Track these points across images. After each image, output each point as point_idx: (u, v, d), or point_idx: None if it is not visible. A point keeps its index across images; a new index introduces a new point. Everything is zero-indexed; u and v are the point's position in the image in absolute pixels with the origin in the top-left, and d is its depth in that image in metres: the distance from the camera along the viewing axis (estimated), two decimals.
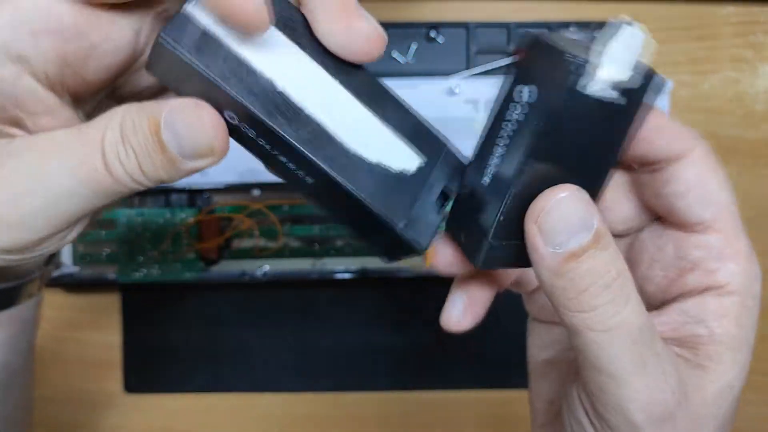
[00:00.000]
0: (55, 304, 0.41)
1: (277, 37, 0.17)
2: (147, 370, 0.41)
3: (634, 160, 0.18)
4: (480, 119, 0.39)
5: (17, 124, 0.17)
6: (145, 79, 0.19)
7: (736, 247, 0.18)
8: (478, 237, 0.17)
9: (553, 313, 0.20)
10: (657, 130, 0.17)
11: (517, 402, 0.41)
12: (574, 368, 0.18)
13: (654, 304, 0.19)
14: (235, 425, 0.42)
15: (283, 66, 0.17)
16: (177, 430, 0.42)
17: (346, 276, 0.39)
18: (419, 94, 0.39)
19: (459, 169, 0.19)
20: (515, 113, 0.17)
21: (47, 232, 0.16)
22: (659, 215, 0.19)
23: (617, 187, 0.19)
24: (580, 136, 0.16)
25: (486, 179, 0.17)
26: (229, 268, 0.39)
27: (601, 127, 0.16)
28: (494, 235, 0.17)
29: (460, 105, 0.39)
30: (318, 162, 0.16)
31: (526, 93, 0.16)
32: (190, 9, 0.15)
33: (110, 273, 0.39)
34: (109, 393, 0.41)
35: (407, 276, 0.39)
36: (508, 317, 0.41)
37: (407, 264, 0.39)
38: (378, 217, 0.17)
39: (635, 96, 0.16)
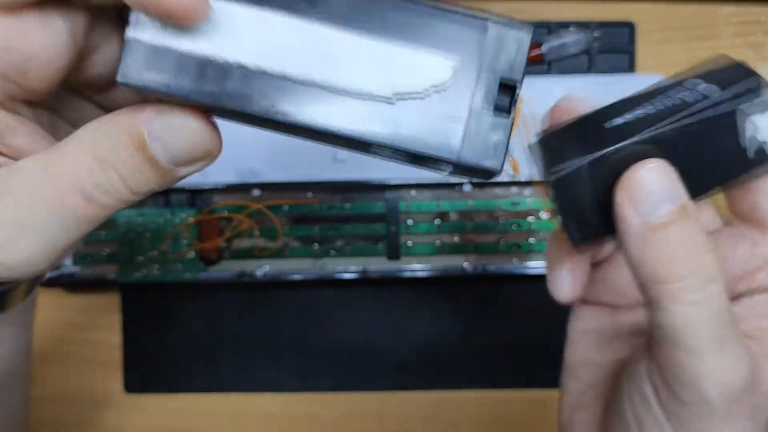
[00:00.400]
0: (55, 304, 0.41)
1: (223, 8, 0.14)
2: (147, 370, 0.41)
3: None
4: None
5: None
6: (101, 65, 0.17)
7: None
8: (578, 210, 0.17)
9: (610, 293, 0.21)
10: None
11: (520, 402, 0.41)
12: (635, 346, 0.19)
13: None
14: (235, 425, 0.42)
15: (246, 38, 0.14)
16: (177, 429, 0.42)
17: (346, 276, 0.39)
18: None
19: (517, 46, 0.15)
20: (682, 93, 0.16)
21: (44, 264, 0.16)
22: (739, 213, 0.19)
23: None
24: (718, 148, 0.16)
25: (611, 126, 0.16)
26: (229, 268, 0.39)
27: (736, 153, 0.16)
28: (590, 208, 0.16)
29: None
30: (331, 129, 0.14)
31: (702, 86, 0.16)
32: (132, 33, 0.14)
33: (110, 273, 0.39)
34: (109, 393, 0.41)
35: (407, 276, 0.39)
36: (508, 318, 0.41)
37: (407, 264, 0.39)
38: (429, 157, 0.15)
39: None
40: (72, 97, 0.17)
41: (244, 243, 0.39)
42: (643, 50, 0.41)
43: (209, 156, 0.16)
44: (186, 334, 0.41)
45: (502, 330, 0.41)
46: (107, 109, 0.18)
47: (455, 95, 0.14)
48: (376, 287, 0.41)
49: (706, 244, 0.16)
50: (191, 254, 0.39)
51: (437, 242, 0.39)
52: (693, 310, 0.15)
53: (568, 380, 0.22)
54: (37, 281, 0.22)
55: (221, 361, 0.41)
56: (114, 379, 0.41)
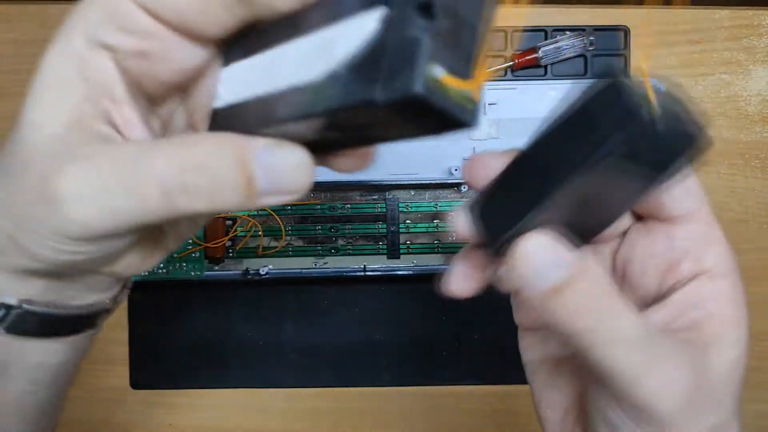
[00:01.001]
0: None
1: (237, 66, 0.17)
2: (153, 366, 0.42)
3: None
4: (480, 123, 0.40)
5: (109, 121, 0.17)
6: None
7: (716, 234, 0.19)
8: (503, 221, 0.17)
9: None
10: None
11: (516, 397, 0.42)
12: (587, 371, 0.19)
13: (654, 296, 0.20)
14: (240, 421, 0.42)
15: (253, 79, 0.16)
16: (183, 425, 0.43)
17: (348, 275, 0.39)
18: None
19: None
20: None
21: (98, 233, 0.17)
22: (646, 212, 0.20)
23: None
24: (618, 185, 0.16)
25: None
26: (233, 267, 0.40)
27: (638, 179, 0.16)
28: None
29: None
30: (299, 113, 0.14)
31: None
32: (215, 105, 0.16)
33: None
34: (116, 389, 0.42)
35: (407, 275, 0.40)
36: (506, 313, 0.42)
37: (407, 263, 0.40)
38: (357, 104, 0.13)
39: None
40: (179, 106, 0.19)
41: (248, 242, 0.40)
42: (637, 54, 0.42)
43: (299, 192, 0.16)
44: (191, 332, 0.42)
45: (500, 327, 0.42)
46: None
47: (387, 38, 0.12)
48: (376, 285, 0.42)
49: (603, 287, 0.16)
50: (196, 253, 0.39)
51: (436, 242, 0.40)
52: (615, 348, 0.16)
53: (545, 412, 0.23)
54: (116, 303, 0.23)
55: (226, 357, 0.42)
56: (120, 375, 0.42)
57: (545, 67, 0.41)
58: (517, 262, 0.16)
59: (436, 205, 0.40)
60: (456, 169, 0.39)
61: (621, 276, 0.21)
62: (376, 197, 0.40)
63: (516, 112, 0.40)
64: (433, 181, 0.39)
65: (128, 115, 0.17)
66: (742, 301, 0.19)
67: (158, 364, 0.42)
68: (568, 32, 0.41)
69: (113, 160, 0.16)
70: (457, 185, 0.39)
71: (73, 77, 0.17)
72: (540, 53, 0.40)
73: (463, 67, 0.13)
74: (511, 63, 0.40)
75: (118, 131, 0.17)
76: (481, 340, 0.42)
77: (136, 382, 0.42)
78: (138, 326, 0.42)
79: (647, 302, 0.19)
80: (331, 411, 0.43)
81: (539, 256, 0.16)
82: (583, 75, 0.41)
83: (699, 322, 0.18)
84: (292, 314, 0.42)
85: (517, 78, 0.41)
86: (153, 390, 0.42)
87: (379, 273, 0.40)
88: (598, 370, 0.17)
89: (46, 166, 0.16)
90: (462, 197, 0.40)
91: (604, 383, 0.17)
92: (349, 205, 0.40)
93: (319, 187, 0.40)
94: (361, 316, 0.42)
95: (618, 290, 0.17)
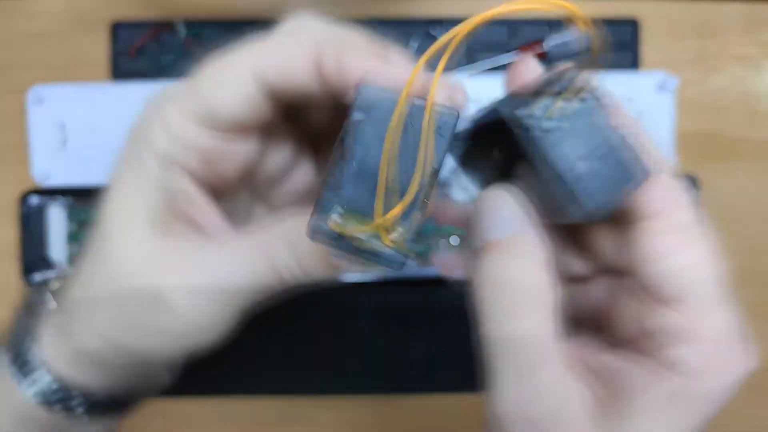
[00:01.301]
0: None
1: None
2: None
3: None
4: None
5: (193, 223, 0.20)
6: (269, 171, 0.22)
7: (700, 329, 0.16)
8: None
9: None
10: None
11: None
12: None
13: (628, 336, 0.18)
14: (236, 428, 0.41)
15: None
16: None
17: (346, 280, 0.38)
18: None
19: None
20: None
21: (225, 324, 0.20)
22: (615, 269, 0.18)
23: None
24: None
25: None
26: None
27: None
28: None
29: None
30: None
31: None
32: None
33: None
34: None
35: (404, 280, 0.38)
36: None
37: (407, 268, 0.38)
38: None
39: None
40: (244, 193, 0.22)
41: None
42: (647, 47, 0.40)
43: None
44: None
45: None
46: (270, 206, 0.23)
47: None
48: (372, 292, 0.40)
49: (529, 278, 0.16)
50: None
51: (437, 245, 0.39)
52: (499, 344, 0.16)
53: None
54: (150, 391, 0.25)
55: (225, 364, 0.41)
56: None
57: (551, 60, 0.40)
58: (480, 204, 0.17)
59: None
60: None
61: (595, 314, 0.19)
62: None
63: None
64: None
65: (204, 210, 0.20)
66: (695, 415, 0.17)
67: None
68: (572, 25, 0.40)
69: (204, 262, 0.19)
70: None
71: (152, 192, 0.19)
72: (546, 46, 0.39)
73: (364, 215, 0.15)
74: (516, 57, 0.39)
75: (198, 225, 0.20)
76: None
77: None
78: None
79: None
80: (327, 419, 0.41)
81: (494, 206, 0.16)
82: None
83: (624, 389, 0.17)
84: (287, 322, 0.41)
85: None
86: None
87: (378, 277, 0.39)
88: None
89: (151, 274, 0.19)
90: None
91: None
92: None
93: None
94: (356, 324, 0.41)
95: (545, 285, 0.16)
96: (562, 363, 0.16)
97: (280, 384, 0.41)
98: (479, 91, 0.39)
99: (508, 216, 0.16)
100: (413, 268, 0.39)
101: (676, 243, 0.16)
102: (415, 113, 0.14)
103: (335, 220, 0.14)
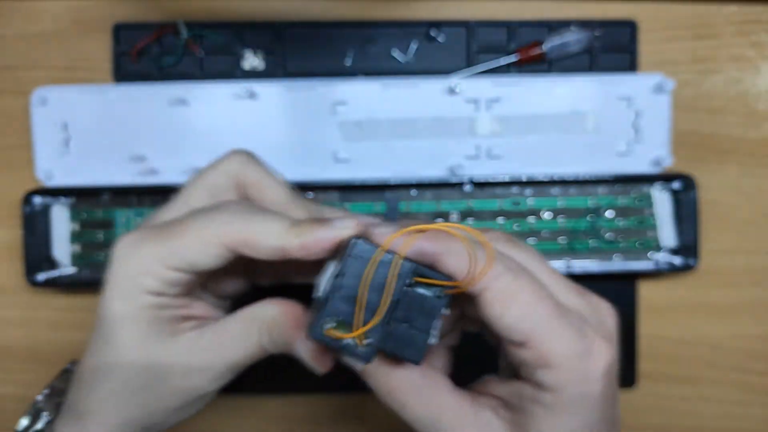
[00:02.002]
0: (53, 305, 0.41)
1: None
2: None
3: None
4: (480, 119, 0.39)
5: (190, 318, 0.26)
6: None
7: (548, 356, 0.21)
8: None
9: None
10: (450, 265, 0.21)
11: None
12: None
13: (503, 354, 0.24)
14: (236, 426, 0.42)
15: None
16: (178, 431, 0.42)
17: None
18: (419, 94, 0.39)
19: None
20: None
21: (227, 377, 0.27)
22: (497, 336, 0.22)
23: None
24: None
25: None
26: None
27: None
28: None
29: (461, 104, 0.39)
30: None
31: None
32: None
33: None
34: None
35: None
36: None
37: None
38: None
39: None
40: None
41: None
42: (644, 49, 0.41)
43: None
44: None
45: None
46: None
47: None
48: None
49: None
50: None
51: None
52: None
53: None
54: None
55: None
56: None
57: (550, 62, 0.40)
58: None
59: (438, 204, 0.39)
60: (459, 167, 0.38)
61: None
62: (375, 196, 0.39)
63: (520, 108, 0.39)
64: (434, 181, 0.38)
65: (195, 307, 0.27)
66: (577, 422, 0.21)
67: None
68: (573, 26, 0.40)
69: (226, 327, 0.26)
70: (460, 185, 0.38)
71: (151, 313, 0.24)
72: (545, 47, 0.39)
73: (348, 324, 0.21)
74: (515, 59, 0.39)
75: (195, 318, 0.26)
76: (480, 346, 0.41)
77: None
78: None
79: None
80: (329, 417, 0.42)
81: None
82: (588, 70, 0.40)
83: (524, 410, 0.22)
84: None
85: (521, 73, 0.40)
86: None
87: None
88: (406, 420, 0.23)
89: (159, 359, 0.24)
90: (465, 196, 0.39)
91: None
92: (348, 205, 0.39)
93: (317, 186, 0.38)
94: None
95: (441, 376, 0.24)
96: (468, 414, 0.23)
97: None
98: (478, 92, 0.39)
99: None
100: None
101: (505, 305, 0.21)
102: (386, 261, 0.21)
103: (330, 327, 0.21)
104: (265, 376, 0.41)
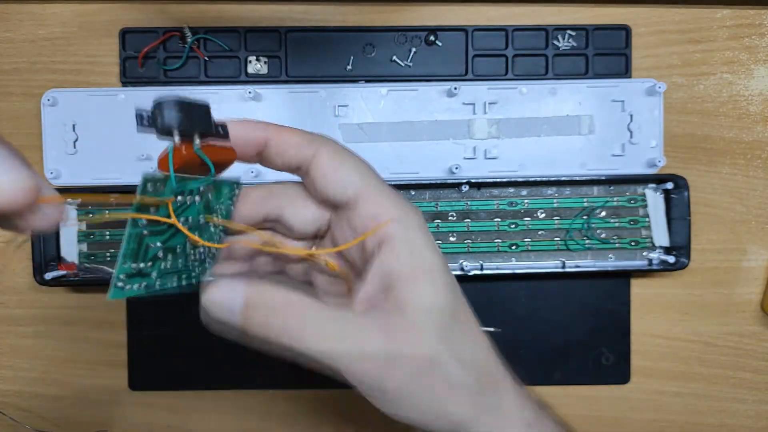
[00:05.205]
0: (60, 303, 0.42)
1: None
2: (151, 368, 0.42)
3: (284, 168, 0.23)
4: (478, 121, 0.40)
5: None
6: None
7: (382, 204, 0.22)
8: None
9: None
10: (281, 145, 0.22)
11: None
12: None
13: (363, 266, 0.23)
14: (237, 421, 0.42)
15: None
16: (181, 427, 0.42)
17: None
18: (419, 97, 0.40)
19: None
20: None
21: None
22: (327, 205, 0.23)
23: (297, 197, 0.23)
24: None
25: None
26: None
27: None
28: None
29: (459, 107, 0.40)
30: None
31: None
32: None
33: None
34: (115, 391, 0.42)
35: None
36: (505, 317, 0.42)
37: None
38: None
39: None
40: None
41: None
42: (638, 53, 0.41)
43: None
44: (190, 333, 0.42)
45: (496, 326, 0.41)
46: None
47: None
48: None
49: (281, 297, 0.20)
50: None
51: (435, 242, 0.40)
52: (305, 337, 0.20)
53: None
54: None
55: (224, 359, 0.42)
56: (119, 377, 0.42)
57: (546, 66, 0.41)
58: (208, 310, 0.21)
59: (437, 205, 0.40)
60: (457, 168, 0.39)
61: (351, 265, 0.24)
62: None
63: (516, 111, 0.40)
64: (433, 181, 0.39)
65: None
66: (421, 247, 0.22)
67: (156, 365, 0.42)
68: (569, 31, 0.41)
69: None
70: (458, 185, 0.39)
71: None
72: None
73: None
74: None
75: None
76: None
77: (135, 384, 0.42)
78: (136, 328, 0.42)
79: (360, 271, 0.23)
80: (327, 411, 0.42)
81: (217, 300, 0.21)
82: (584, 74, 0.41)
83: (390, 284, 0.21)
84: None
85: (517, 77, 0.41)
86: (151, 392, 0.42)
87: None
88: (308, 360, 0.20)
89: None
90: (463, 197, 0.40)
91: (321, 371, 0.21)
92: None
93: None
94: None
95: (298, 293, 0.20)
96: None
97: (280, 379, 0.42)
98: (476, 96, 0.40)
99: (230, 292, 0.21)
100: None
101: (335, 164, 0.22)
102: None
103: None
104: (267, 372, 0.42)
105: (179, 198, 0.20)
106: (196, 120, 0.19)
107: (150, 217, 0.20)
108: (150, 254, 0.20)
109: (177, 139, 0.19)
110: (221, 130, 0.21)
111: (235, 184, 0.22)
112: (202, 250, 0.22)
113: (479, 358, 0.22)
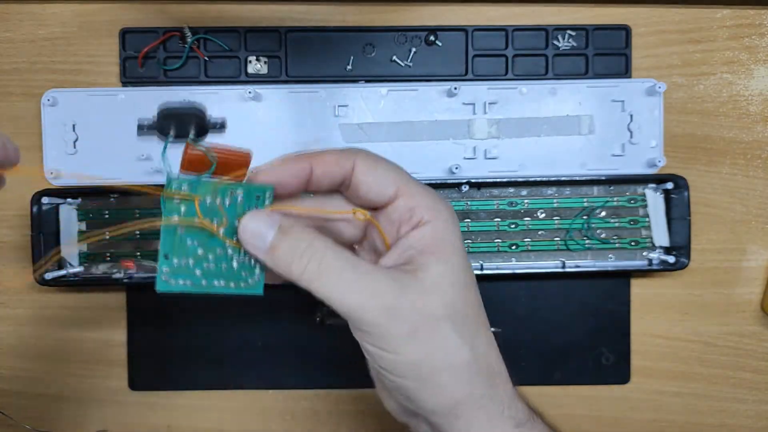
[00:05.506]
0: (61, 303, 0.42)
1: None
2: (152, 368, 0.42)
3: (332, 186, 0.25)
4: (478, 121, 0.40)
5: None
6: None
7: (418, 198, 0.24)
8: None
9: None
10: (325, 166, 0.24)
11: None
12: None
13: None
14: (238, 422, 0.42)
15: None
16: (181, 427, 0.42)
17: None
18: (419, 97, 0.40)
19: None
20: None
21: None
22: (370, 207, 0.25)
23: (342, 205, 0.25)
24: None
25: None
26: None
27: None
28: None
29: (459, 107, 0.40)
30: None
31: None
32: None
33: (115, 273, 0.39)
34: (115, 391, 0.42)
35: None
36: (504, 317, 0.42)
37: None
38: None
39: None
40: None
41: None
42: (638, 53, 0.42)
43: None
44: (190, 333, 0.42)
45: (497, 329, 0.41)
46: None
47: None
48: None
49: (307, 237, 0.22)
50: None
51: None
52: (321, 281, 0.22)
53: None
54: None
55: (224, 359, 0.42)
56: (119, 377, 0.42)
57: (546, 66, 0.41)
58: (240, 234, 0.22)
59: None
60: (457, 168, 0.39)
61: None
62: None
63: (516, 111, 0.40)
64: (433, 181, 0.39)
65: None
66: (448, 235, 0.24)
67: (156, 365, 0.42)
68: (569, 31, 0.41)
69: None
70: (458, 185, 0.39)
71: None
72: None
73: None
74: None
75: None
76: None
77: (135, 384, 0.42)
78: (136, 328, 0.42)
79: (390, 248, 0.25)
80: (328, 412, 0.42)
81: (251, 225, 0.22)
82: (584, 74, 0.41)
83: (412, 256, 0.23)
84: (289, 316, 0.42)
85: (517, 77, 0.41)
86: (151, 391, 0.42)
87: None
88: (322, 299, 0.22)
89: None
90: (463, 197, 0.40)
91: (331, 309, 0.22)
92: None
93: None
94: None
95: (323, 238, 0.22)
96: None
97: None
98: (476, 96, 0.40)
99: (265, 222, 0.23)
100: None
101: (371, 167, 0.24)
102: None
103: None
104: (267, 372, 0.42)
105: (208, 199, 0.22)
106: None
107: (173, 221, 0.22)
108: (189, 251, 0.22)
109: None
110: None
111: (268, 191, 0.24)
112: (248, 257, 0.24)
113: (481, 344, 0.24)
